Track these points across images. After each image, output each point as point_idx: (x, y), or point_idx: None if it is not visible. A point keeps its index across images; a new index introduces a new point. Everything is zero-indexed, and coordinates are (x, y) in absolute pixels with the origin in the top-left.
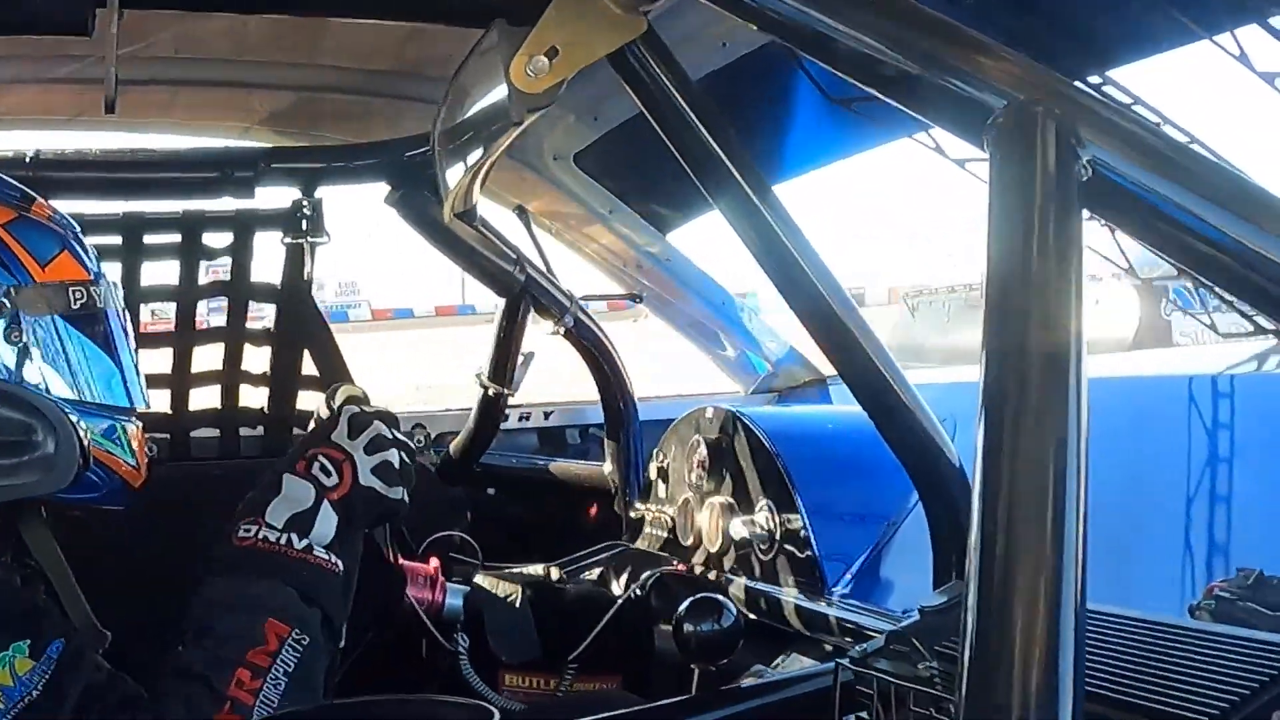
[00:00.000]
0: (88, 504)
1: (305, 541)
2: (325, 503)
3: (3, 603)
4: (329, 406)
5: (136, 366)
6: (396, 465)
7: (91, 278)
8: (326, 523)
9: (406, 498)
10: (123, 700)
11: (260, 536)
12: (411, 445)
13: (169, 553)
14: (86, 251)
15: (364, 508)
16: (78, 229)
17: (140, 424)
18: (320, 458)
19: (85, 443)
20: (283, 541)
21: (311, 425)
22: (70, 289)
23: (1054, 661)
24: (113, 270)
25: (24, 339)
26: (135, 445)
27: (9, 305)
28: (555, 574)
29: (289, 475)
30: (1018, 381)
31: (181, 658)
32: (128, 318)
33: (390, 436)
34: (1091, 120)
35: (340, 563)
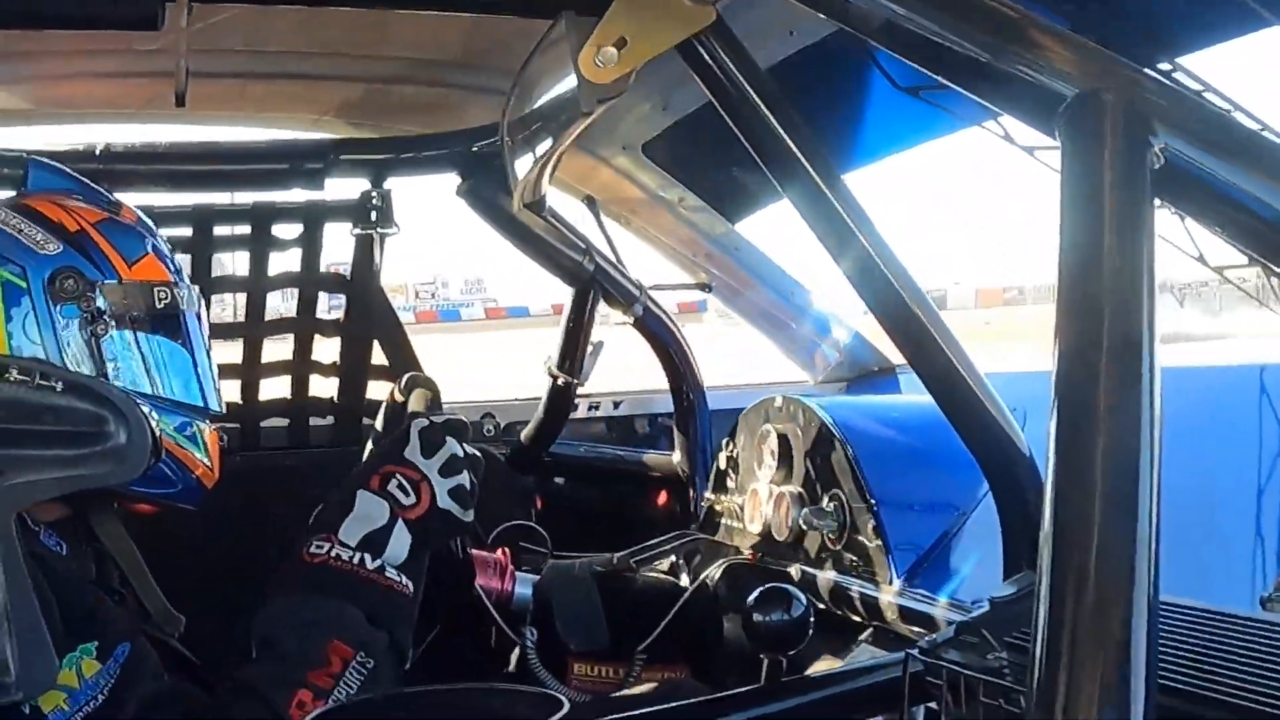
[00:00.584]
0: (161, 500)
1: (378, 562)
2: (400, 522)
3: (72, 601)
4: (399, 395)
5: (213, 371)
6: (468, 486)
7: (174, 280)
8: (400, 543)
9: (472, 517)
10: (185, 709)
11: (333, 555)
12: (480, 458)
13: (239, 542)
14: (170, 256)
15: (438, 529)
16: (160, 235)
17: (214, 426)
18: (398, 475)
19: (157, 435)
20: (355, 561)
21: (380, 415)
22: (155, 289)
23: (1125, 653)
24: (183, 262)
25: (107, 333)
26: (209, 446)
27: (96, 300)
28: (624, 563)
29: (363, 492)
30: (1090, 371)
31: (244, 671)
32: (206, 322)
33: (463, 455)
34: (1162, 108)
35: (410, 585)
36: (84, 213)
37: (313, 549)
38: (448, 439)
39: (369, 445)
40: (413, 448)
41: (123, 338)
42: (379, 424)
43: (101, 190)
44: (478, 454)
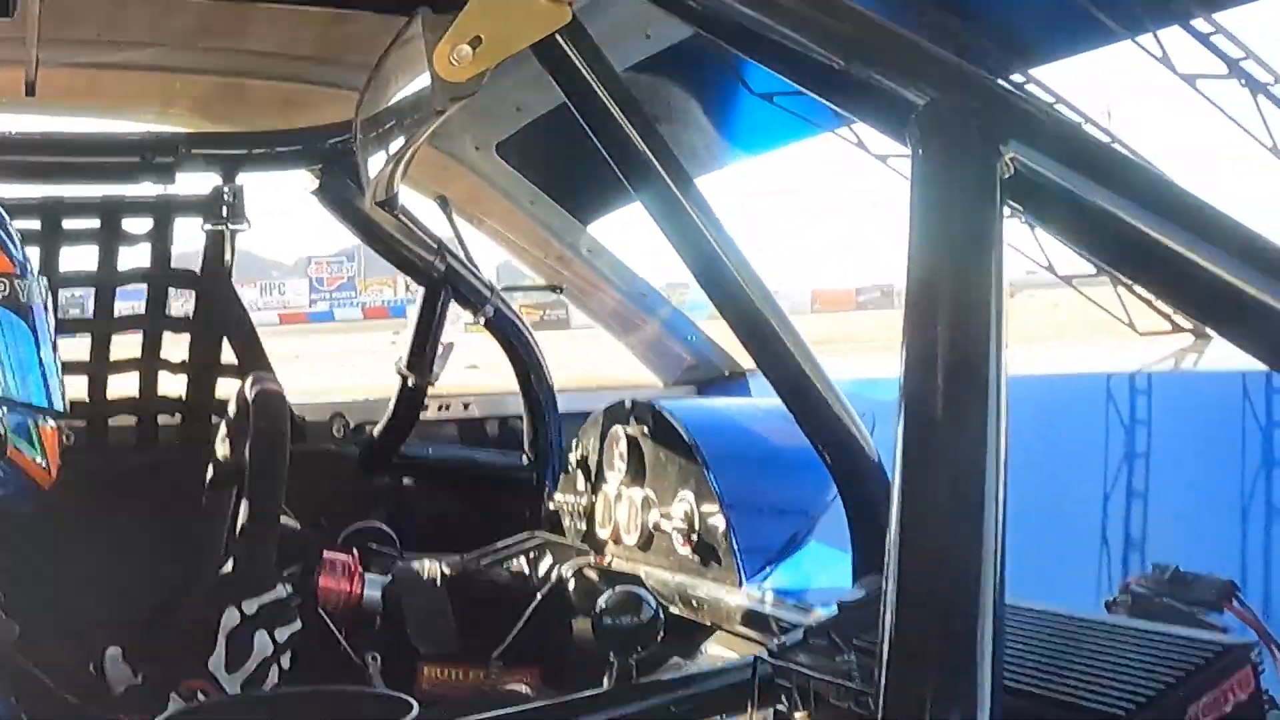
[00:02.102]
0: None
1: None
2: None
3: None
4: (244, 395)
5: (58, 368)
6: (278, 680)
7: (17, 271)
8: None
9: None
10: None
11: None
12: (296, 632)
13: (85, 540)
14: (14, 244)
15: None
16: (7, 220)
17: (56, 425)
18: (200, 695)
19: (2, 435)
20: None
21: (225, 422)
22: None
23: (973, 655)
24: (31, 255)
25: None
26: (48, 444)
27: None
28: (473, 564)
29: (174, 698)
30: (937, 377)
31: None
32: (52, 316)
33: (273, 649)
34: (1014, 118)
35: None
36: None
37: None
38: (256, 640)
39: (217, 445)
40: (216, 659)
41: None
42: (224, 429)
43: None
44: (295, 630)
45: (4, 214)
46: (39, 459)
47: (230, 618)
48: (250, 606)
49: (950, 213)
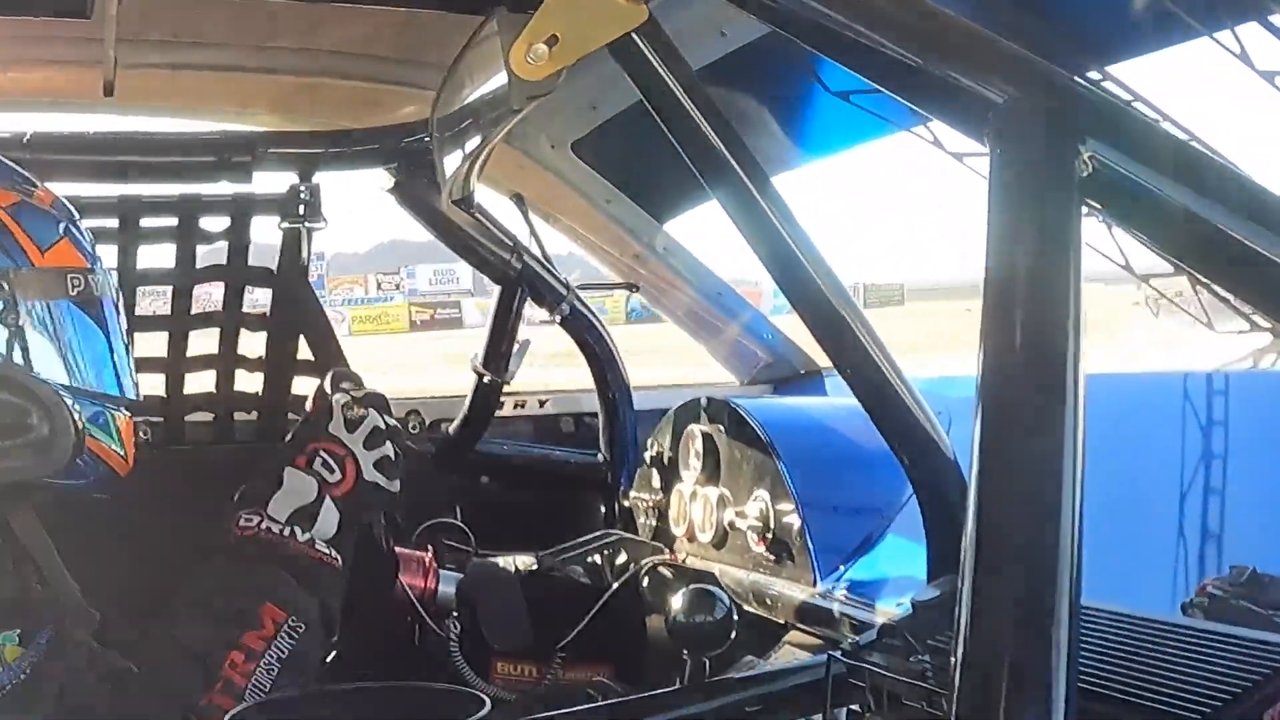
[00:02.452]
0: (73, 491)
1: (308, 535)
2: (328, 498)
3: None
4: (323, 391)
5: (129, 356)
6: (392, 457)
7: (89, 266)
8: (329, 518)
9: (398, 488)
10: (108, 674)
11: (263, 527)
12: (403, 431)
13: (162, 537)
14: (86, 240)
15: (366, 502)
16: (77, 217)
17: (129, 413)
18: (322, 453)
19: (81, 428)
20: (286, 533)
21: (306, 410)
22: (69, 275)
23: (1047, 656)
24: (109, 253)
25: (20, 323)
26: (124, 434)
27: (6, 289)
28: (548, 562)
29: (291, 469)
30: (1015, 376)
31: (178, 633)
32: (122, 308)
33: (385, 426)
34: (1091, 116)
35: (339, 558)
36: None
37: (242, 522)
38: (369, 411)
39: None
40: (336, 423)
41: (36, 325)
42: (304, 421)
43: (16, 169)
44: (397, 425)
45: (75, 211)
46: (116, 448)
47: (340, 398)
48: (358, 392)
49: (1028, 211)
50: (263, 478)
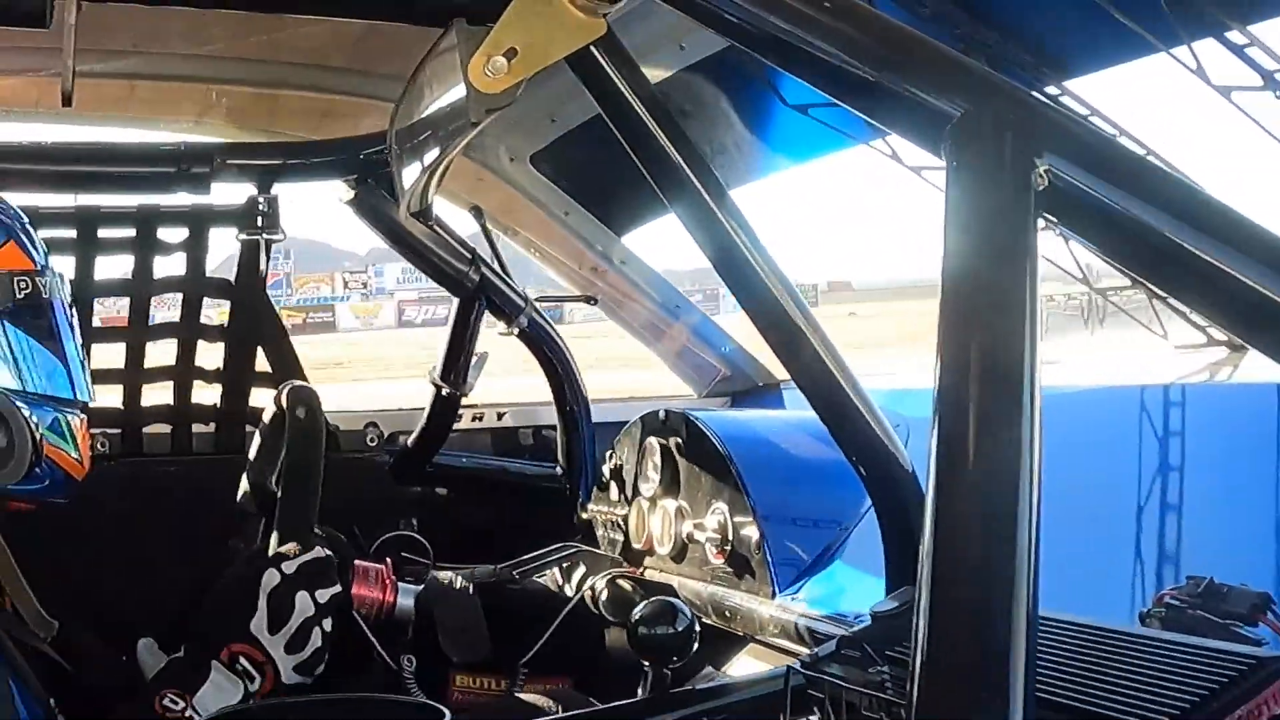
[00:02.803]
0: (29, 497)
1: None
2: (251, 702)
3: None
4: (279, 404)
5: (82, 359)
6: (321, 644)
7: (37, 268)
8: None
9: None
10: None
11: (187, 716)
12: (339, 594)
13: (119, 548)
14: (33, 242)
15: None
16: (25, 220)
17: (84, 416)
18: (242, 659)
19: (38, 438)
20: None
21: (262, 423)
22: (15, 279)
23: (1005, 667)
24: (66, 264)
25: None
26: (79, 437)
27: None
28: (507, 574)
29: (217, 665)
30: (972, 389)
31: None
32: (73, 310)
33: (315, 609)
34: (1048, 130)
35: None
36: None
37: (166, 702)
38: (298, 600)
39: (251, 452)
40: (259, 620)
41: None
42: (259, 436)
43: None
44: (336, 591)
45: (21, 214)
46: (71, 452)
47: (270, 578)
48: (290, 567)
49: (984, 224)
50: (189, 660)
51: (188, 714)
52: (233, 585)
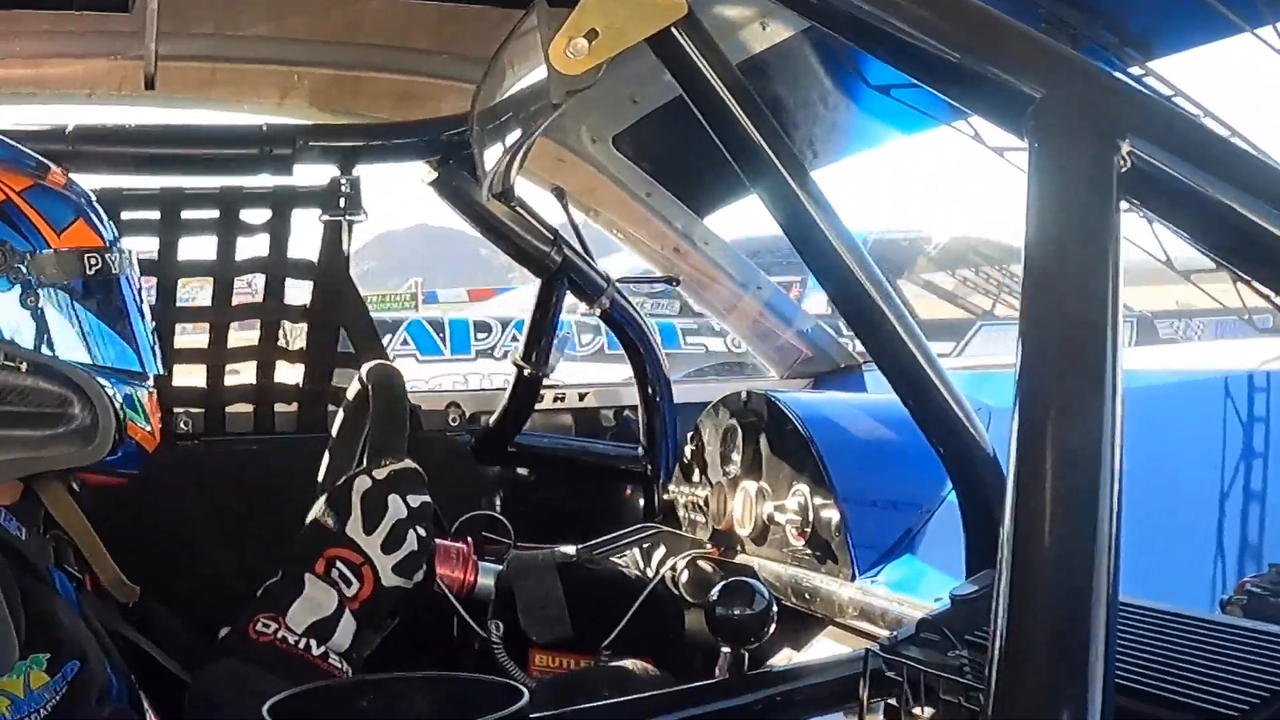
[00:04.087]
0: (105, 469)
1: (323, 649)
2: (347, 612)
3: (33, 604)
4: (361, 383)
5: (151, 334)
6: (417, 548)
7: (106, 244)
8: (345, 631)
9: (424, 575)
10: None
11: (279, 637)
12: (430, 504)
13: (201, 527)
14: (101, 219)
15: (385, 606)
16: (93, 198)
17: (154, 390)
18: (339, 563)
19: (122, 415)
20: (301, 646)
21: (345, 404)
22: (86, 255)
23: (1084, 653)
24: (150, 245)
25: (40, 305)
26: (149, 409)
27: (25, 271)
28: (587, 555)
29: (310, 576)
30: (1054, 372)
31: None
32: (142, 285)
33: (408, 513)
34: (1131, 111)
35: (350, 670)
36: (8, 180)
37: (259, 627)
38: (390, 501)
39: (334, 431)
40: (354, 523)
41: (57, 307)
42: (342, 415)
43: (28, 153)
44: (426, 501)
45: (89, 192)
46: (144, 424)
47: (362, 483)
48: (381, 474)
49: (1067, 207)
50: (284, 580)
51: (280, 635)
52: (325, 503)
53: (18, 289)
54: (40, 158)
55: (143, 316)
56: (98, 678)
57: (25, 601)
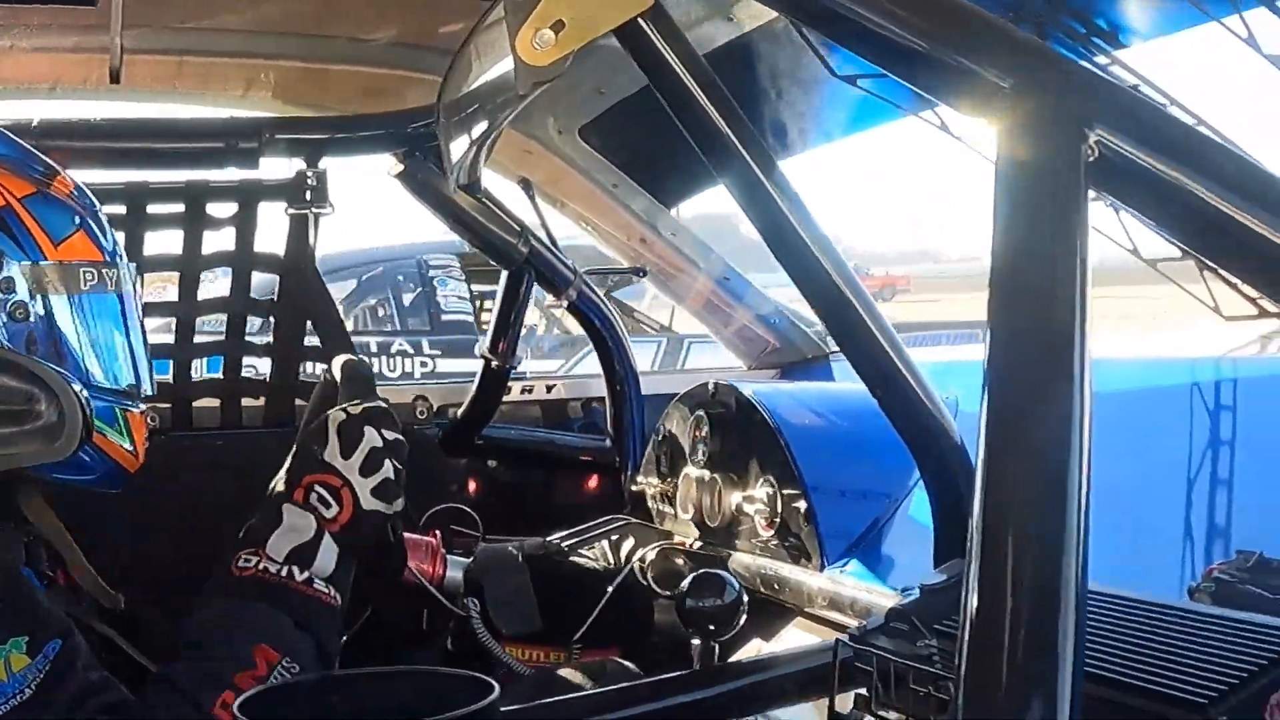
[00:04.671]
0: (78, 486)
1: (306, 574)
2: (327, 535)
3: (6, 592)
4: (328, 378)
5: (145, 350)
6: (393, 477)
7: (106, 259)
8: (328, 555)
9: (401, 506)
10: (110, 706)
11: (261, 568)
12: (403, 442)
13: (170, 522)
14: (104, 231)
15: (366, 531)
16: (98, 207)
17: (143, 410)
18: (318, 487)
19: (89, 413)
20: (284, 574)
21: (313, 396)
22: (82, 270)
23: (1053, 641)
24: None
25: (30, 317)
26: (134, 430)
27: (19, 282)
28: (556, 547)
29: (289, 505)
30: (1022, 360)
31: (171, 669)
32: (140, 301)
33: (384, 443)
34: (1099, 100)
35: (338, 596)
36: (10, 186)
37: (241, 563)
38: (365, 430)
39: (301, 424)
40: (330, 449)
41: (48, 320)
42: (310, 406)
43: (39, 156)
44: (399, 438)
45: (94, 202)
46: (125, 444)
47: (337, 415)
48: (355, 408)
49: (1034, 196)
50: (262, 514)
51: (261, 566)
52: (299, 442)
53: (6, 298)
54: (50, 162)
55: (139, 335)
56: (81, 650)
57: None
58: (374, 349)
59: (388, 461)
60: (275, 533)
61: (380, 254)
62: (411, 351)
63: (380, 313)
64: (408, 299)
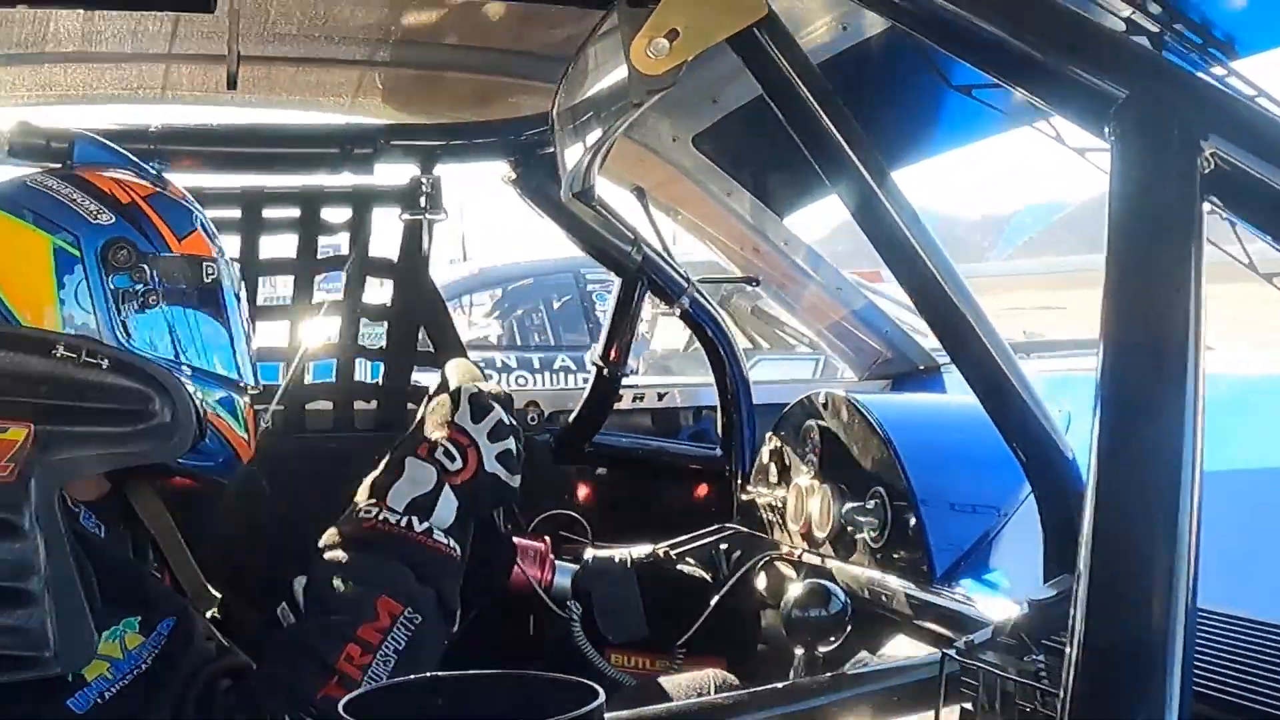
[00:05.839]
0: (199, 472)
1: (425, 525)
2: (447, 487)
3: (116, 576)
4: (444, 381)
5: (250, 347)
6: (515, 453)
7: (215, 256)
8: (447, 507)
9: (519, 482)
10: (230, 670)
11: (380, 518)
12: (521, 431)
13: (280, 525)
14: (213, 234)
15: (486, 494)
16: (204, 214)
17: (250, 400)
18: (445, 443)
19: (202, 413)
20: (403, 524)
21: (426, 400)
22: (203, 264)
23: (1162, 659)
24: (231, 243)
25: (157, 305)
26: (247, 420)
27: (148, 272)
28: (664, 555)
29: (412, 459)
30: (1135, 374)
31: (293, 627)
32: (245, 298)
33: (509, 423)
34: (1214, 112)
35: (458, 548)
36: (134, 186)
37: (360, 514)
38: (494, 405)
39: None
40: (462, 413)
41: (170, 310)
42: (423, 409)
43: (147, 166)
44: (519, 427)
45: (198, 203)
46: (240, 431)
47: (469, 388)
48: (486, 385)
49: (1149, 207)
50: (385, 468)
51: (381, 517)
52: (428, 408)
53: (134, 288)
54: (159, 171)
55: (244, 329)
56: (198, 625)
57: (107, 576)
58: (536, 365)
59: (512, 439)
60: (395, 484)
61: (535, 268)
62: (574, 368)
63: (531, 324)
64: (562, 311)
